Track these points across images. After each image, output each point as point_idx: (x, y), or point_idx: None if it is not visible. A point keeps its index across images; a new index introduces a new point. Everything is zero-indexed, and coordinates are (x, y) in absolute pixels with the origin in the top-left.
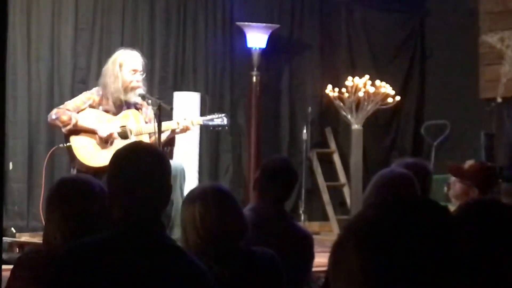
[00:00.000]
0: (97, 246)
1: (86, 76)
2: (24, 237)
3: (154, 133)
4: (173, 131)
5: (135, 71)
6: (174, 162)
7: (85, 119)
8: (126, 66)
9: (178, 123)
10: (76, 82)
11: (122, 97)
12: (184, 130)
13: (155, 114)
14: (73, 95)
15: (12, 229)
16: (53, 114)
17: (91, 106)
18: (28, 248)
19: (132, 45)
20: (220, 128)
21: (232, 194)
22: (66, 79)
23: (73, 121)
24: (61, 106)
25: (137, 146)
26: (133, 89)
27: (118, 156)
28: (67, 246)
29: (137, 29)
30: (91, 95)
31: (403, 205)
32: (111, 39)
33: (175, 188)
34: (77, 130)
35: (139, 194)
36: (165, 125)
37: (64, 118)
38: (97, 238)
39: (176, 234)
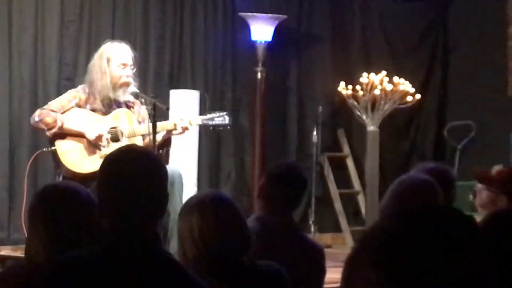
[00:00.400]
0: (85, 261)
1: (73, 72)
2: (5, 251)
3: (148, 134)
4: (169, 132)
5: (124, 65)
6: (171, 168)
7: (72, 121)
8: (114, 60)
9: (175, 125)
10: (62, 79)
11: (111, 94)
12: (183, 131)
13: (149, 114)
14: (58, 93)
15: None
16: (36, 116)
17: (77, 105)
18: (11, 263)
19: (124, 38)
20: (221, 128)
21: (234, 203)
22: (51, 76)
23: (59, 124)
24: (45, 107)
25: (130, 150)
26: (122, 85)
27: (109, 162)
28: (51, 261)
29: (129, 21)
30: (77, 93)
31: (423, 215)
32: (101, 32)
33: (172, 196)
34: (63, 133)
35: (133, 204)
36: (161, 125)
37: (49, 120)
38: (85, 252)
39: (173, 247)
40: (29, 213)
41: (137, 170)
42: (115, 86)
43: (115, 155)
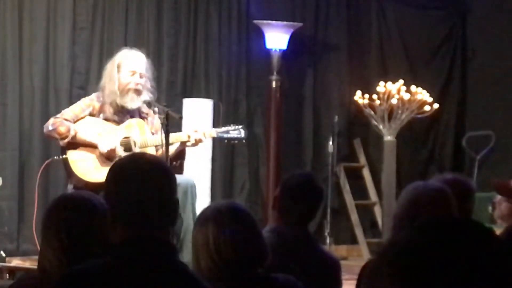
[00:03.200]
0: (98, 272)
1: (85, 81)
2: (15, 262)
3: (161, 145)
4: (183, 144)
5: (133, 72)
6: (185, 177)
7: (85, 131)
8: (125, 66)
9: (189, 136)
10: (74, 87)
11: (118, 100)
12: (196, 143)
13: (162, 123)
14: (70, 102)
15: (1, 252)
16: (50, 125)
17: (91, 114)
18: (21, 275)
19: (137, 46)
20: (236, 142)
21: (251, 214)
22: (63, 84)
23: (72, 133)
24: (58, 116)
25: (139, 158)
26: (129, 91)
27: (118, 170)
28: (63, 272)
29: (142, 28)
30: (91, 101)
31: (443, 227)
32: (113, 39)
33: (186, 206)
34: (75, 143)
35: (145, 212)
36: (174, 137)
37: (62, 129)
38: (98, 263)
39: (186, 257)
40: (43, 223)
41: (147, 178)
42: (123, 92)
43: (124, 163)
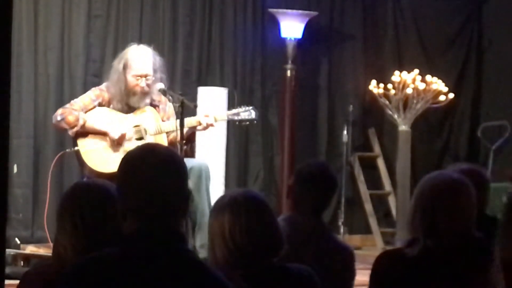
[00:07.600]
0: (110, 262)
1: (100, 69)
2: (29, 249)
3: (172, 131)
4: (193, 128)
5: (140, 77)
6: (197, 161)
7: (95, 120)
8: (130, 69)
9: (199, 122)
10: (89, 75)
11: (125, 100)
12: (207, 127)
13: (176, 112)
14: (85, 89)
15: (16, 239)
16: (58, 115)
17: (100, 105)
18: (36, 262)
19: (152, 34)
20: (248, 123)
21: (268, 203)
22: (78, 72)
23: (81, 122)
24: (67, 106)
25: (150, 149)
26: (136, 94)
27: (129, 161)
28: (77, 261)
29: (157, 17)
30: (101, 92)
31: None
32: (129, 28)
33: (200, 189)
34: (85, 132)
35: (156, 204)
36: (185, 122)
37: (71, 119)
38: (110, 253)
39: (202, 240)
40: (59, 211)
41: (160, 169)
42: (129, 93)
43: (136, 154)
